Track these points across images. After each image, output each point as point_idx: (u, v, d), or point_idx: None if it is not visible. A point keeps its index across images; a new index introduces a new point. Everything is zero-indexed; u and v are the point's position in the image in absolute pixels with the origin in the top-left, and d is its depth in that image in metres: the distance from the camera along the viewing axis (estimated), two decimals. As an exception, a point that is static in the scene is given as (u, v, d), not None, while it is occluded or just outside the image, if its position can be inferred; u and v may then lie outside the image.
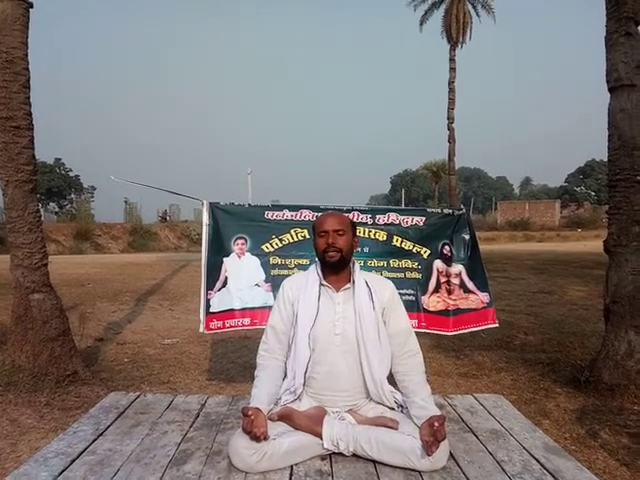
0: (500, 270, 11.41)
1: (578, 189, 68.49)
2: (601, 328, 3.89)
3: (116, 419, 2.09)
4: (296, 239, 3.09)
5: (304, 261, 3.00)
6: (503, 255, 16.09)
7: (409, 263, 3.13)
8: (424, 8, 26.50)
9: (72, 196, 50.50)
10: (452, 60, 25.59)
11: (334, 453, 1.77)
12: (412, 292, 3.07)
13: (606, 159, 3.63)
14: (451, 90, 25.36)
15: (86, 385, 3.55)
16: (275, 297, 2.18)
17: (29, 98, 3.58)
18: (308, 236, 3.04)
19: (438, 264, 3.14)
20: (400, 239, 3.14)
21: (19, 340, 3.54)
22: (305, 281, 2.02)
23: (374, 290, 2.00)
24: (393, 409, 1.93)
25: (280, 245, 3.08)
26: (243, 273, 3.05)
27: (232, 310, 3.02)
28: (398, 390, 2.00)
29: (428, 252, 3.15)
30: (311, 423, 1.80)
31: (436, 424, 1.66)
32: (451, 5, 25.62)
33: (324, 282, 1.99)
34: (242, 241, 3.07)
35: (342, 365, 1.94)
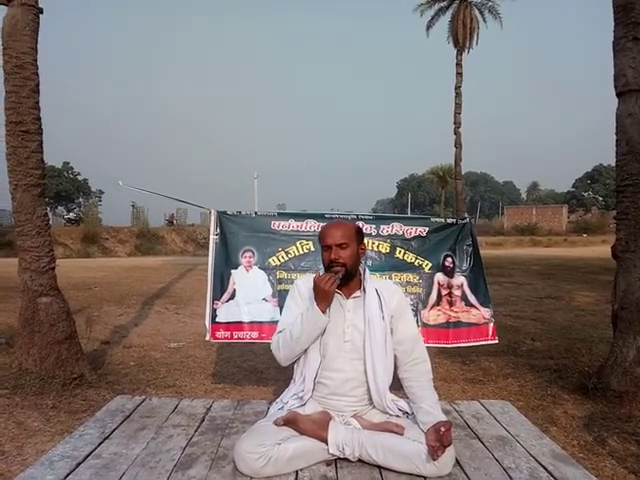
0: (507, 275, 11.36)
1: (586, 194, 68.20)
2: (609, 334, 3.85)
3: (122, 423, 2.10)
4: (301, 252, 3.12)
5: (308, 275, 3.01)
6: (510, 260, 16.02)
7: (410, 277, 3.14)
8: (431, 13, 26.52)
9: (80, 200, 50.90)
10: (459, 65, 25.56)
11: (339, 458, 1.76)
12: (412, 307, 3.06)
13: (614, 164, 3.60)
14: (458, 95, 25.32)
15: (92, 388, 3.56)
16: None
17: (38, 103, 3.61)
18: (313, 248, 3.09)
19: (439, 277, 3.15)
20: (403, 251, 3.16)
21: (26, 343, 3.56)
22: None
23: (384, 299, 1.98)
24: (398, 416, 1.92)
25: (286, 258, 3.11)
26: (251, 287, 3.09)
27: (241, 322, 3.06)
28: (401, 397, 1.99)
29: (430, 265, 3.16)
30: (316, 428, 1.79)
31: (442, 429, 1.66)
32: (458, 10, 25.62)
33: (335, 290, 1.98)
34: (250, 254, 3.10)
35: (350, 372, 1.94)
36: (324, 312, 1.87)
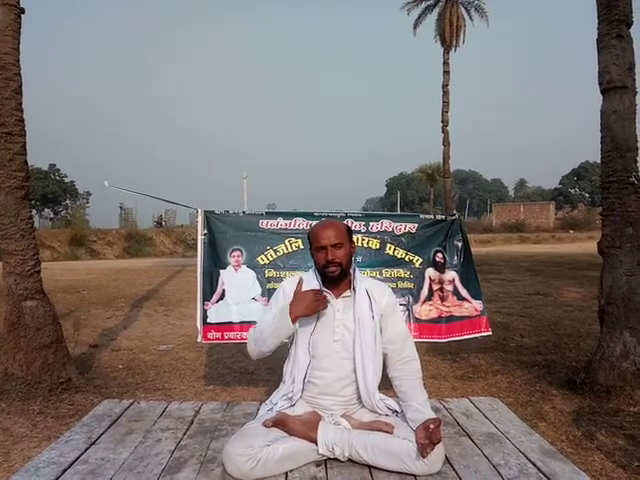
0: (495, 272, 11.43)
1: (572, 191, 68.95)
2: (596, 329, 3.89)
3: (109, 427, 2.07)
4: (290, 250, 3.10)
5: (297, 273, 2.98)
6: (498, 257, 16.13)
7: (401, 273, 3.14)
8: (418, 12, 26.59)
9: (67, 202, 50.33)
10: (446, 63, 25.65)
11: (329, 459, 1.76)
12: (404, 302, 3.07)
13: (600, 161, 3.63)
14: (445, 93, 25.42)
15: (80, 392, 3.52)
16: None
17: (21, 104, 3.56)
18: (302, 246, 3.07)
19: (430, 272, 3.15)
20: (393, 247, 3.16)
21: (12, 348, 3.50)
22: (305, 285, 2.00)
23: (374, 299, 1.99)
24: (387, 415, 1.92)
25: (275, 257, 3.09)
26: (240, 286, 3.06)
27: (231, 323, 3.03)
28: (390, 397, 1.99)
29: (420, 260, 3.16)
30: (306, 429, 1.78)
31: (431, 426, 1.66)
32: (444, 9, 25.71)
33: (324, 288, 1.98)
34: (238, 253, 3.08)
35: (340, 371, 1.94)
36: (294, 322, 1.87)
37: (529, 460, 1.78)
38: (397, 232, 3.18)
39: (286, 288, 2.04)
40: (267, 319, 1.97)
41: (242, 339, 3.03)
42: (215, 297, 3.05)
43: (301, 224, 3.11)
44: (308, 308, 1.86)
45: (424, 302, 3.13)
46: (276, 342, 1.94)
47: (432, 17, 26.40)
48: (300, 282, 1.93)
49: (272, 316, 1.96)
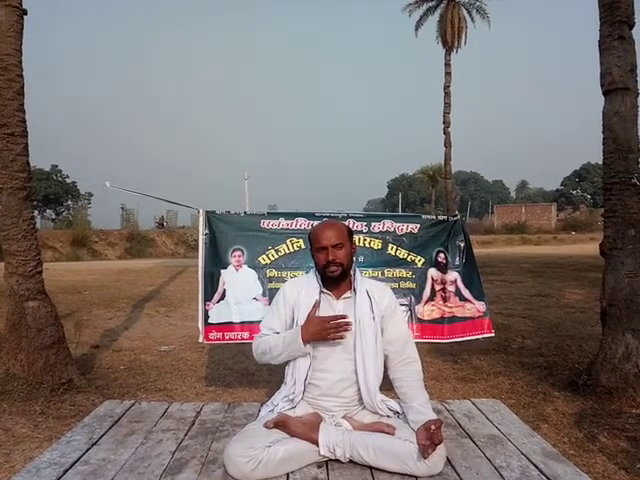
0: (497, 273, 11.42)
1: (574, 192, 68.89)
2: (598, 331, 3.88)
3: (110, 428, 2.07)
4: (292, 249, 3.09)
5: (299, 273, 2.99)
6: (500, 258, 16.11)
7: (403, 273, 3.13)
8: (419, 13, 26.61)
9: (69, 203, 50.40)
10: (447, 65, 25.67)
11: (330, 460, 1.75)
12: (406, 302, 3.06)
13: (601, 162, 3.63)
14: (447, 94, 25.42)
15: (81, 393, 3.52)
16: None
17: (23, 105, 3.57)
18: (304, 246, 3.06)
19: (433, 272, 3.15)
20: (395, 247, 3.15)
21: (13, 348, 3.51)
22: (305, 287, 2.01)
23: (374, 300, 1.99)
24: (389, 416, 1.91)
25: (276, 256, 3.08)
26: (241, 286, 3.05)
27: (231, 323, 3.03)
28: (391, 398, 1.99)
29: (422, 260, 3.15)
30: (307, 430, 1.78)
31: (433, 427, 1.65)
32: (446, 10, 25.72)
33: (324, 290, 1.98)
34: (239, 253, 3.07)
35: (341, 372, 1.94)
36: (305, 344, 1.88)
37: (531, 462, 1.77)
38: (399, 232, 3.18)
39: (286, 290, 2.04)
40: (275, 340, 1.96)
41: (243, 339, 3.03)
42: (216, 297, 3.04)
43: (303, 224, 3.10)
44: (318, 334, 1.87)
45: (426, 302, 3.12)
46: (287, 359, 1.96)
47: (433, 18, 26.45)
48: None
49: (280, 334, 1.97)
